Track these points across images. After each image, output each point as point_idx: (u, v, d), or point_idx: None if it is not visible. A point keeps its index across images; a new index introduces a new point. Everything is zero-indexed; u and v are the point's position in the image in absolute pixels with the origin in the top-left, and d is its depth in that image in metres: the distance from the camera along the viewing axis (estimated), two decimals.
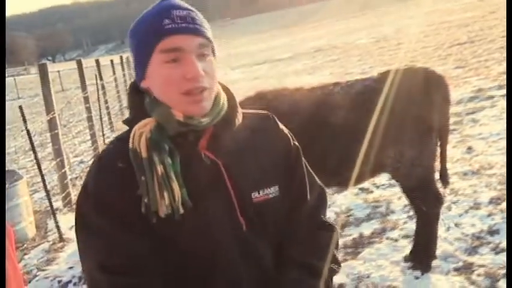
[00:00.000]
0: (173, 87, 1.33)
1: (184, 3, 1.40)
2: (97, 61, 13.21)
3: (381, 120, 3.27)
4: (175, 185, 1.34)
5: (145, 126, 1.37)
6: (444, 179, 3.66)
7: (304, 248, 1.51)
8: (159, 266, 1.37)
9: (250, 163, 1.47)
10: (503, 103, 7.53)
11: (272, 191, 1.48)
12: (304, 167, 1.58)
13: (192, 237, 1.38)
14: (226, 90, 1.51)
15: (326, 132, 3.43)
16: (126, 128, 1.45)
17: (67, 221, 5.65)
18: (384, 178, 4.98)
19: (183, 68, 1.32)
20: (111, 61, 16.36)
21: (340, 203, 4.95)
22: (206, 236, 1.39)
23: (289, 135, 1.60)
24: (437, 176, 3.61)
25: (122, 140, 1.40)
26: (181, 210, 1.34)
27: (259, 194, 1.45)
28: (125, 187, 1.35)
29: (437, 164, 3.59)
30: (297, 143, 1.60)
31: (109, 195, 1.35)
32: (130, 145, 1.36)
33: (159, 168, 1.33)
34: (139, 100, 1.42)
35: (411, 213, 4.14)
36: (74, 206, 6.24)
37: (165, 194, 1.33)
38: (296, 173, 1.56)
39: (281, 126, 1.60)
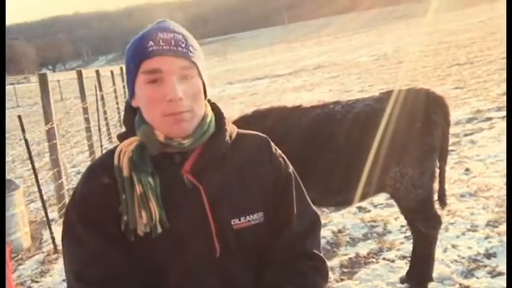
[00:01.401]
0: (155, 108, 1.36)
1: (175, 25, 1.43)
2: (97, 72, 13.23)
3: (381, 140, 3.28)
4: (153, 205, 1.36)
5: (129, 145, 1.41)
6: (442, 200, 3.65)
7: (280, 274, 1.48)
8: (135, 281, 1.39)
9: (235, 188, 1.46)
10: (501, 125, 7.56)
11: (255, 217, 1.47)
12: (293, 195, 1.55)
13: (167, 257, 1.40)
14: (216, 110, 1.52)
15: (325, 152, 3.42)
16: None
17: None
18: (381, 197, 4.97)
19: (163, 89, 1.34)
20: (111, 72, 16.40)
21: (337, 221, 4.94)
22: (180, 257, 1.40)
23: (282, 160, 1.57)
24: (435, 196, 3.61)
25: (111, 154, 1.44)
26: (159, 230, 1.36)
27: (240, 220, 1.44)
28: (108, 203, 1.39)
29: (435, 185, 3.58)
30: (290, 169, 1.57)
31: (92, 208, 1.40)
32: (115, 162, 1.40)
33: (138, 188, 1.36)
34: (132, 117, 1.47)
35: (408, 233, 4.12)
36: None
37: (143, 214, 1.36)
38: (284, 201, 1.53)
39: (274, 150, 1.57)
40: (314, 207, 1.63)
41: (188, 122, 1.37)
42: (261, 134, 1.61)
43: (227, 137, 1.48)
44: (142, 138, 1.40)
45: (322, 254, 1.58)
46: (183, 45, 1.38)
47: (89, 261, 1.37)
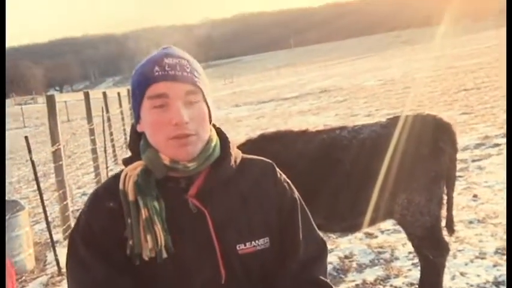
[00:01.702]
0: (160, 132, 1.38)
1: (180, 51, 1.46)
2: (104, 93, 13.32)
3: (388, 167, 3.26)
4: (159, 230, 1.36)
5: (134, 170, 1.42)
6: (450, 227, 3.61)
7: None
8: None
9: (241, 213, 1.46)
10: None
11: (261, 243, 1.46)
12: (299, 221, 1.54)
13: (172, 282, 1.40)
14: (221, 134, 1.53)
15: (331, 178, 3.40)
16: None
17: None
18: (388, 223, 4.91)
19: (168, 114, 1.36)
20: (118, 94, 16.50)
21: (344, 247, 4.89)
22: (186, 283, 1.40)
23: (287, 186, 1.57)
24: (443, 223, 3.57)
25: (117, 179, 1.45)
26: (165, 255, 1.36)
27: (245, 245, 1.44)
28: (113, 227, 1.40)
29: (443, 212, 3.55)
30: (296, 195, 1.57)
31: (98, 233, 1.40)
32: (121, 186, 1.41)
33: (144, 212, 1.37)
34: (137, 142, 1.49)
35: (416, 260, 4.07)
36: None
37: (149, 238, 1.36)
38: (290, 226, 1.53)
39: (279, 175, 1.57)
40: (320, 234, 1.62)
41: (193, 145, 1.38)
42: (265, 159, 1.61)
43: (232, 162, 1.49)
44: (147, 162, 1.41)
45: (328, 281, 1.57)
46: (188, 70, 1.40)
47: (93, 284, 1.37)
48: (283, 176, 1.59)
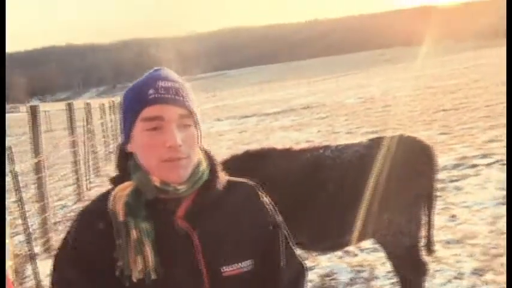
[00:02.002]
0: (153, 154, 1.38)
1: (173, 74, 1.47)
2: (88, 104, 13.24)
3: (370, 187, 3.32)
4: (149, 251, 1.37)
5: (124, 190, 1.42)
6: (429, 247, 3.68)
7: None
8: None
9: (226, 235, 1.48)
10: (487, 172, 7.67)
11: (245, 265, 1.48)
12: (281, 243, 1.58)
13: None
14: (209, 157, 1.54)
15: (313, 197, 3.46)
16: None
17: (45, 267, 5.53)
18: (368, 242, 4.98)
19: (162, 137, 1.37)
20: (102, 105, 16.44)
21: (324, 265, 4.93)
22: None
23: (270, 208, 1.60)
24: (422, 243, 3.64)
25: (105, 199, 1.44)
26: (153, 277, 1.37)
27: (231, 267, 1.46)
28: (103, 248, 1.38)
29: (423, 232, 3.62)
30: (279, 218, 1.60)
31: (87, 254, 1.39)
32: (110, 207, 1.40)
33: (134, 233, 1.37)
34: (125, 161, 1.48)
35: (395, 280, 4.12)
36: (54, 252, 6.14)
37: (139, 260, 1.36)
38: (272, 249, 1.56)
39: (262, 198, 1.60)
40: (300, 257, 1.65)
41: (184, 168, 1.40)
42: (249, 181, 1.64)
43: (219, 185, 1.51)
44: (138, 183, 1.42)
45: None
46: (181, 94, 1.42)
47: None
48: (266, 198, 1.62)
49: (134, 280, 1.37)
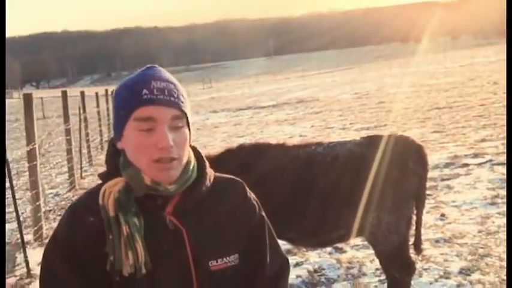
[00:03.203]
0: (144, 154, 1.41)
1: (166, 74, 1.49)
2: (82, 93, 13.22)
3: (360, 185, 3.36)
4: (139, 247, 1.39)
5: (114, 186, 1.44)
6: (418, 246, 3.72)
7: None
8: None
9: (212, 231, 1.52)
10: (478, 172, 7.73)
11: (231, 259, 1.52)
12: (266, 238, 1.63)
13: None
14: (198, 155, 1.57)
15: (304, 193, 3.49)
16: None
17: (36, 256, 5.56)
18: (358, 238, 5.02)
19: (155, 138, 1.39)
20: (96, 94, 16.40)
21: (313, 260, 4.97)
22: None
23: (256, 204, 1.64)
24: (411, 242, 3.68)
25: (95, 193, 1.46)
26: (144, 271, 1.39)
27: (217, 262, 1.49)
28: (94, 242, 1.41)
29: (412, 231, 3.66)
30: (263, 213, 1.65)
31: (78, 248, 1.41)
32: (100, 202, 1.42)
33: (125, 229, 1.39)
34: (116, 158, 1.50)
35: (383, 277, 4.17)
36: (45, 241, 6.15)
37: (130, 254, 1.38)
38: (257, 244, 1.60)
39: (249, 195, 1.65)
40: (283, 252, 1.70)
41: (175, 169, 1.43)
42: (236, 178, 1.68)
43: (207, 182, 1.54)
44: (129, 180, 1.43)
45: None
46: (175, 95, 1.43)
47: None
48: (252, 194, 1.67)
49: (125, 274, 1.39)
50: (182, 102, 1.45)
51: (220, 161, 3.23)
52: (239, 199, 1.62)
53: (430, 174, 7.30)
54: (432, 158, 8.57)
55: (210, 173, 1.58)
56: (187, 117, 1.47)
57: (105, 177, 1.49)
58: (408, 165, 3.54)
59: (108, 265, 1.39)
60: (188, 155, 1.50)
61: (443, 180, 7.56)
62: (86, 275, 1.40)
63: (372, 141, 3.59)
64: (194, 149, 1.57)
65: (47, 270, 1.44)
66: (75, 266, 1.40)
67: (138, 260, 1.39)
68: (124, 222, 1.40)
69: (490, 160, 8.32)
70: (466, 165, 8.30)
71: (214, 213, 1.54)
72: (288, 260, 1.69)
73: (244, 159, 3.50)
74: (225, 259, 1.51)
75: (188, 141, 1.48)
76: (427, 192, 6.44)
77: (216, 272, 1.49)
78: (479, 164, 8.17)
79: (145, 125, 1.40)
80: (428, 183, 6.90)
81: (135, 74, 1.49)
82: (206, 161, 1.58)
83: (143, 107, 1.40)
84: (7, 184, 5.84)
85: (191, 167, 1.50)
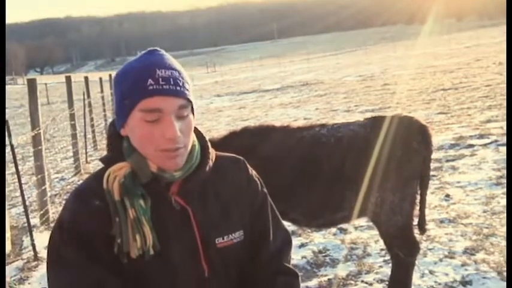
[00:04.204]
0: (150, 144, 1.39)
1: (170, 60, 1.44)
2: (86, 78, 13.21)
3: (363, 166, 3.35)
4: (147, 229, 1.39)
5: (120, 170, 1.42)
6: (422, 226, 3.72)
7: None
8: None
9: (217, 209, 1.53)
10: (483, 152, 7.70)
11: (237, 236, 1.54)
12: (269, 214, 1.65)
13: (157, 279, 1.44)
14: (201, 138, 1.57)
15: (308, 175, 3.49)
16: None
17: (43, 239, 5.60)
18: (362, 219, 5.03)
19: (161, 128, 1.37)
20: (100, 79, 16.38)
21: (318, 241, 4.99)
22: (170, 279, 1.45)
23: (258, 181, 1.66)
24: (415, 222, 3.68)
25: (99, 178, 1.45)
26: (152, 252, 1.40)
27: (223, 239, 1.51)
28: (100, 226, 1.40)
29: (416, 211, 3.65)
30: (265, 190, 1.67)
31: (84, 231, 1.40)
32: (105, 186, 1.41)
33: (131, 212, 1.39)
34: (118, 142, 1.49)
35: (387, 257, 4.19)
36: (52, 224, 6.20)
37: (137, 237, 1.38)
38: (260, 219, 1.62)
39: (250, 171, 1.66)
40: (285, 225, 1.72)
41: (181, 156, 1.42)
42: (237, 156, 1.69)
43: (210, 162, 1.55)
44: (135, 166, 1.43)
45: (294, 269, 1.67)
46: (180, 84, 1.40)
47: (80, 283, 1.37)
48: (254, 172, 1.68)
49: (133, 257, 1.39)
50: (188, 90, 1.43)
51: (225, 144, 3.23)
52: (241, 176, 1.63)
53: (435, 155, 7.35)
54: (437, 139, 8.56)
55: (212, 153, 1.58)
56: (192, 105, 1.46)
57: (107, 161, 1.48)
58: (412, 145, 3.52)
59: (115, 248, 1.39)
60: (192, 139, 1.49)
61: (448, 161, 7.54)
62: (93, 258, 1.39)
63: (375, 122, 3.58)
64: (196, 129, 1.56)
65: (54, 255, 1.43)
66: (83, 250, 1.39)
67: (146, 242, 1.39)
68: (130, 205, 1.39)
69: (495, 141, 8.28)
70: (471, 146, 8.27)
71: (218, 192, 1.55)
72: (289, 234, 1.71)
73: (248, 142, 3.50)
74: (230, 235, 1.53)
75: (193, 128, 1.47)
76: (432, 173, 6.45)
77: (222, 249, 1.50)
78: (485, 145, 8.14)
79: (151, 116, 1.37)
80: (433, 164, 6.93)
81: (137, 58, 1.44)
82: (208, 140, 1.58)
83: (149, 98, 1.36)
84: (13, 169, 5.87)
85: (195, 153, 1.50)
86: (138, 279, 1.43)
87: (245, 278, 1.58)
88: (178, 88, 1.39)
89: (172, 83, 1.38)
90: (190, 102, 1.44)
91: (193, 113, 1.47)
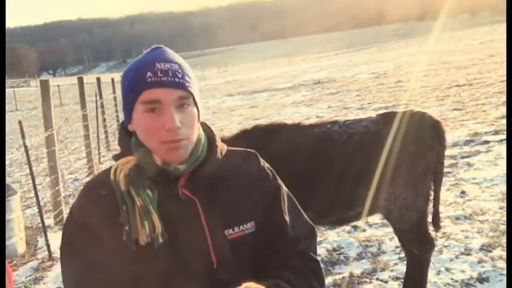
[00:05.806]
0: (153, 137, 1.42)
1: (171, 54, 1.48)
2: (98, 79, 13.28)
3: (376, 162, 3.31)
4: (155, 217, 1.41)
5: (126, 164, 1.46)
6: (436, 222, 3.67)
7: (279, 269, 1.52)
8: None
9: (227, 200, 1.52)
10: (498, 149, 7.61)
11: (248, 227, 1.53)
12: (284, 204, 1.61)
13: (167, 269, 1.44)
14: (207, 130, 1.58)
15: (320, 172, 3.46)
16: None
17: (57, 239, 5.62)
18: (376, 217, 4.97)
19: (161, 119, 1.39)
20: (112, 79, 16.45)
21: (332, 239, 4.96)
22: (178, 270, 1.44)
23: (270, 173, 1.64)
24: (429, 219, 3.64)
25: (108, 172, 1.49)
26: (161, 240, 1.41)
27: (234, 230, 1.50)
28: (108, 213, 1.43)
29: (430, 207, 3.61)
30: (279, 181, 1.64)
31: (93, 218, 1.43)
32: (112, 177, 1.45)
33: (138, 200, 1.41)
34: (128, 139, 1.52)
35: (402, 254, 4.15)
36: None
37: (146, 224, 1.40)
38: (275, 210, 1.59)
39: (262, 164, 1.65)
40: (307, 219, 1.67)
41: (184, 148, 1.43)
42: (249, 150, 1.68)
43: (218, 155, 1.55)
44: (140, 160, 1.46)
45: (318, 258, 1.61)
46: (179, 76, 1.43)
47: (90, 269, 1.40)
48: (266, 164, 1.67)
49: (142, 243, 1.40)
50: (187, 82, 1.44)
51: (237, 142, 3.21)
52: (252, 168, 1.62)
53: (450, 152, 7.27)
54: (452, 136, 8.47)
55: (222, 147, 1.59)
56: (194, 96, 1.47)
57: (119, 158, 1.52)
58: (425, 140, 3.48)
59: (124, 235, 1.40)
60: (198, 133, 1.50)
61: (463, 157, 7.45)
62: (102, 245, 1.41)
63: (388, 118, 3.54)
64: (204, 124, 1.58)
65: (65, 244, 1.48)
66: (91, 235, 1.42)
67: (155, 229, 1.41)
68: (136, 195, 1.42)
69: None
70: (487, 142, 8.18)
71: (228, 184, 1.55)
72: (313, 227, 1.66)
73: (260, 139, 3.48)
74: (241, 227, 1.52)
75: (197, 120, 1.48)
76: (447, 169, 6.40)
77: (233, 241, 1.50)
78: (500, 141, 8.03)
79: (151, 107, 1.40)
80: (449, 161, 6.87)
81: (141, 56, 1.49)
82: (216, 134, 1.58)
83: (148, 90, 1.40)
84: (27, 170, 5.91)
85: (201, 147, 1.50)
86: (147, 269, 1.43)
87: (263, 266, 1.56)
88: (176, 79, 1.41)
89: (170, 74, 1.41)
90: (192, 94, 1.45)
91: (197, 106, 1.48)
